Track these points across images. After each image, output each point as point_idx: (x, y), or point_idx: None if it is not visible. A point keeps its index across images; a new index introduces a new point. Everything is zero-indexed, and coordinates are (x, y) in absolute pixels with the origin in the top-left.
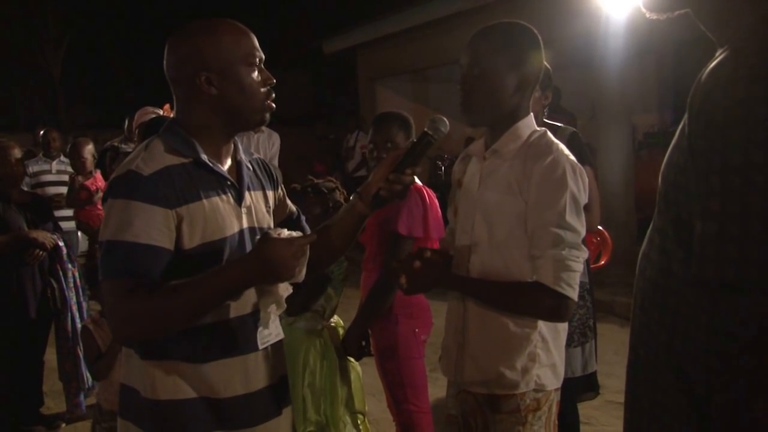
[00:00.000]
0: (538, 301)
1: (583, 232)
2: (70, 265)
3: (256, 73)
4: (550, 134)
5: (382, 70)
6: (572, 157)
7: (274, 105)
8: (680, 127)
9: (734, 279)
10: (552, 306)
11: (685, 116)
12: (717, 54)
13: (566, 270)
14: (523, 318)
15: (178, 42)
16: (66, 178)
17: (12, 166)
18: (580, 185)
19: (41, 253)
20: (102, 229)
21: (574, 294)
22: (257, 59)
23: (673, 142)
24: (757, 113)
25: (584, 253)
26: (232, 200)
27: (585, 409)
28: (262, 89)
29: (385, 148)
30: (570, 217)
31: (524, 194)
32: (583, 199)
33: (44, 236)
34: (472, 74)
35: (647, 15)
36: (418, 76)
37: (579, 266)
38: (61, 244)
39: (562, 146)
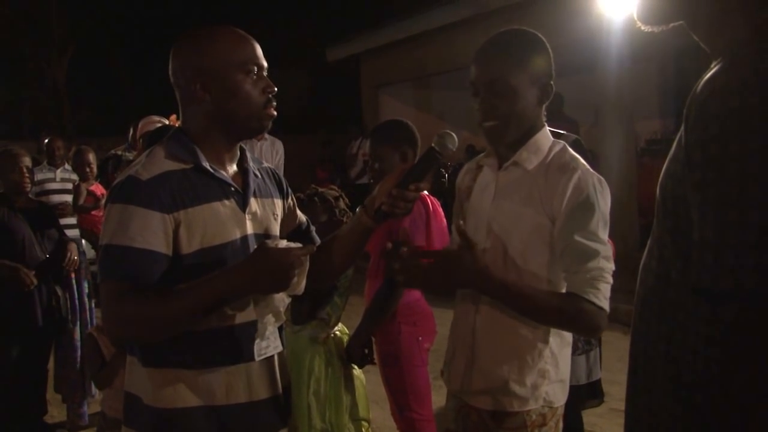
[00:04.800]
0: (583, 314)
1: (610, 246)
2: (83, 273)
3: (253, 80)
4: (568, 148)
5: (385, 77)
6: (594, 172)
7: (275, 113)
8: (677, 137)
9: (731, 287)
10: (593, 319)
11: (682, 127)
12: (712, 65)
13: (603, 282)
14: (536, 333)
15: (178, 49)
16: (70, 186)
17: (22, 174)
18: (606, 200)
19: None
20: (101, 233)
21: (608, 306)
22: (255, 66)
23: (671, 152)
24: (752, 124)
25: (613, 265)
26: (235, 206)
27: (589, 416)
28: (261, 97)
29: (374, 164)
30: (601, 233)
31: (547, 208)
32: (608, 215)
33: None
34: (493, 92)
35: (642, 27)
36: (421, 83)
37: (611, 278)
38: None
39: (582, 160)
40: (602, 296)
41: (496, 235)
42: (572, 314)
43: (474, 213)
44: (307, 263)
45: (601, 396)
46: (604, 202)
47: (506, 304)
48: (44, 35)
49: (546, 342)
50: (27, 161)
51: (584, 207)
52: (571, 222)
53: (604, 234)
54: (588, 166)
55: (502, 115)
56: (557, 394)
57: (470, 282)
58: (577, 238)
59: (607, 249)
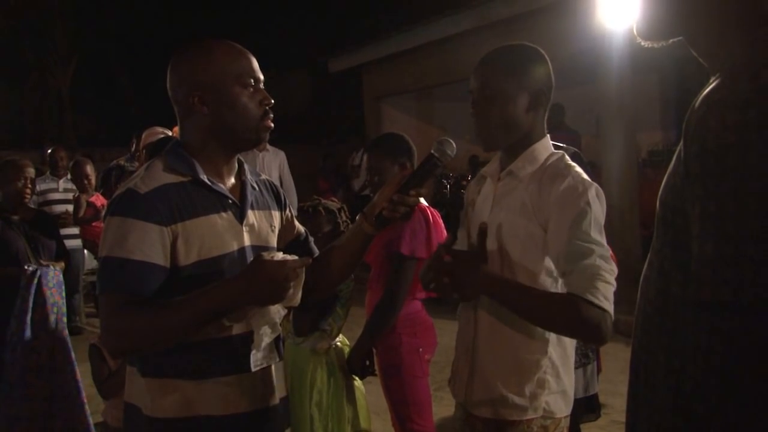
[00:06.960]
0: (583, 315)
1: (608, 249)
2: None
3: (250, 93)
4: (567, 157)
5: (387, 88)
6: (590, 180)
7: (272, 125)
8: (677, 151)
9: (731, 300)
10: (595, 321)
11: (681, 141)
12: (710, 80)
13: (600, 280)
14: (534, 343)
15: (176, 62)
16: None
17: (25, 184)
18: (599, 206)
19: None
20: (100, 245)
21: (611, 308)
22: (252, 80)
23: (671, 166)
24: (749, 139)
25: (615, 268)
26: (232, 218)
27: (590, 429)
28: (258, 109)
29: (374, 177)
30: (595, 234)
31: (539, 217)
32: (603, 220)
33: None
34: (483, 97)
35: (642, 43)
36: (423, 94)
37: (612, 279)
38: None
39: (579, 169)
40: (602, 296)
41: (493, 245)
42: (572, 316)
43: (476, 224)
44: (303, 275)
45: (599, 410)
46: (597, 207)
47: (511, 305)
48: (48, 46)
49: (545, 352)
50: (31, 172)
51: (575, 209)
52: (562, 224)
53: (598, 236)
54: (584, 175)
55: (491, 118)
56: (559, 405)
57: (479, 285)
58: (570, 239)
59: (603, 249)
